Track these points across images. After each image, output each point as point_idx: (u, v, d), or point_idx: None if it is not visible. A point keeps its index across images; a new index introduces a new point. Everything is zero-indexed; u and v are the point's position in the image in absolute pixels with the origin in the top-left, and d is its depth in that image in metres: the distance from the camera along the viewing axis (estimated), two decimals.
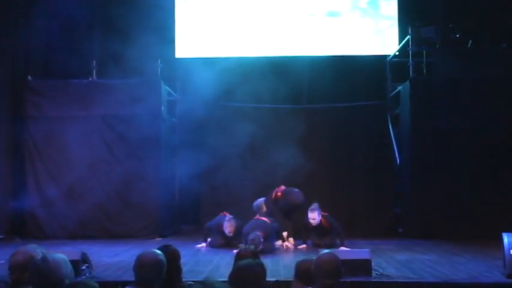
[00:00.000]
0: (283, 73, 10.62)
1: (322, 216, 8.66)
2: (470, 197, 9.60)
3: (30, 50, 10.89)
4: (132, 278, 3.47)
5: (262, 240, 7.96)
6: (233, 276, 3.41)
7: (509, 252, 5.81)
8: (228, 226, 8.58)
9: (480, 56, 10.06)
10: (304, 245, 8.75)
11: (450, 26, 10.34)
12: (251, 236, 7.88)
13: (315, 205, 8.74)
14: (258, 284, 3.39)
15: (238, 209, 9.39)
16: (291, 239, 8.84)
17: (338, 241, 8.55)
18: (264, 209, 8.97)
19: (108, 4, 11.19)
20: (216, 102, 10.89)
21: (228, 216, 8.71)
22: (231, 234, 8.59)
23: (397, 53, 11.09)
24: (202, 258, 7.57)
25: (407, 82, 10.18)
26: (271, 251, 8.18)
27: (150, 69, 10.61)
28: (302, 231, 8.91)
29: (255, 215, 8.80)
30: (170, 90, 11.03)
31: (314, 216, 8.61)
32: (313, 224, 8.64)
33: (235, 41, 11.63)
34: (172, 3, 11.63)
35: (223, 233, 8.63)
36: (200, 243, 8.77)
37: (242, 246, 4.43)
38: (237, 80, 10.37)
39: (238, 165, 10.48)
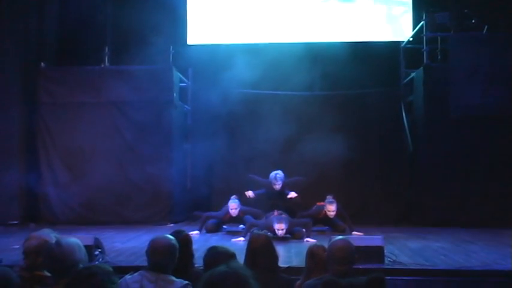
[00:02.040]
0: (295, 60, 10.54)
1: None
2: (484, 185, 9.53)
3: (42, 36, 10.91)
4: (145, 263, 3.48)
5: (286, 224, 8.03)
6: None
7: None
8: (232, 204, 8.72)
9: (495, 42, 9.93)
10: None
11: (465, 11, 10.20)
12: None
13: (331, 197, 8.79)
14: None
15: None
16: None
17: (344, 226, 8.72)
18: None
19: None
20: (228, 89, 10.86)
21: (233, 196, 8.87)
22: (235, 214, 8.73)
23: (411, 39, 10.97)
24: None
25: (421, 69, 10.09)
26: (301, 235, 8.15)
27: (162, 55, 10.59)
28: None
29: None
30: (182, 76, 11.02)
31: (333, 209, 8.69)
32: (331, 216, 8.68)
33: (247, 28, 11.57)
34: None
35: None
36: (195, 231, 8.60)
37: (255, 231, 4.40)
38: (249, 67, 10.31)
39: (250, 151, 10.46)
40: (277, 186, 8.98)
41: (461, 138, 9.66)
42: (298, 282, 4.02)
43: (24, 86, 10.33)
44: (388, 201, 10.48)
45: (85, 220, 9.76)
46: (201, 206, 10.93)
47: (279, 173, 9.05)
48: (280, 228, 7.99)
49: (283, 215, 8.30)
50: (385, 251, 6.07)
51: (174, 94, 10.34)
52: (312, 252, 4.11)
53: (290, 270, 5.18)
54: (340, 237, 3.65)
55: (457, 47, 9.82)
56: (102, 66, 10.80)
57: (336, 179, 10.21)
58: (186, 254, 4.02)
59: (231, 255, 3.80)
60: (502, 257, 6.36)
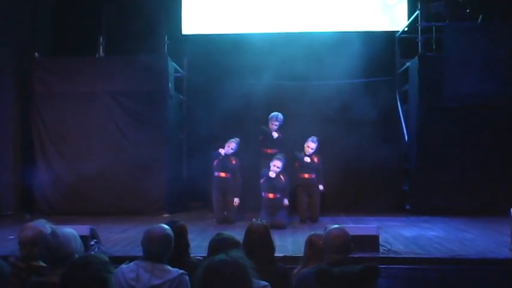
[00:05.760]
0: (291, 49, 10.53)
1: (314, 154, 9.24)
2: (478, 174, 9.58)
3: (37, 26, 10.86)
4: (141, 253, 3.49)
5: (282, 164, 8.64)
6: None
7: None
8: (228, 144, 9.11)
9: (490, 31, 9.93)
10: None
11: (460, 0, 10.20)
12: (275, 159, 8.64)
13: (315, 137, 9.28)
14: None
15: (247, 185, 9.40)
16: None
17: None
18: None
19: None
20: (223, 78, 10.84)
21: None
22: (231, 151, 9.12)
23: (406, 29, 10.96)
24: (210, 234, 7.58)
25: (416, 58, 10.10)
26: (283, 225, 8.20)
27: (157, 45, 10.56)
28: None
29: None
30: (177, 66, 10.98)
31: (313, 146, 9.17)
32: (309, 152, 9.15)
33: (242, 18, 11.52)
34: None
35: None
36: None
37: (253, 220, 4.41)
38: (244, 57, 10.32)
39: (246, 140, 10.45)
40: (274, 126, 9.47)
41: (457, 127, 9.68)
42: (295, 270, 4.05)
43: (19, 77, 10.29)
44: (383, 190, 10.50)
45: (80, 210, 9.74)
46: (197, 196, 10.95)
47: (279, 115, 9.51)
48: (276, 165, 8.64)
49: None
50: (380, 240, 6.10)
51: (169, 84, 10.31)
52: (311, 241, 4.13)
53: (286, 259, 5.21)
54: (336, 226, 3.66)
55: (452, 37, 9.81)
56: (97, 56, 10.75)
57: (330, 168, 10.20)
58: (181, 244, 4.03)
59: (236, 243, 3.78)
60: (497, 245, 6.41)
